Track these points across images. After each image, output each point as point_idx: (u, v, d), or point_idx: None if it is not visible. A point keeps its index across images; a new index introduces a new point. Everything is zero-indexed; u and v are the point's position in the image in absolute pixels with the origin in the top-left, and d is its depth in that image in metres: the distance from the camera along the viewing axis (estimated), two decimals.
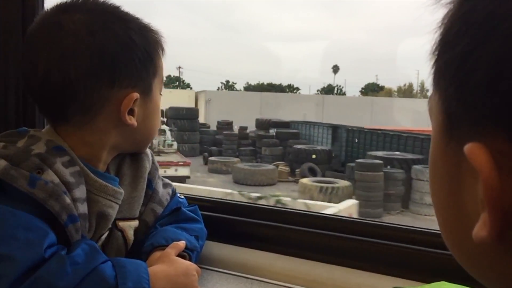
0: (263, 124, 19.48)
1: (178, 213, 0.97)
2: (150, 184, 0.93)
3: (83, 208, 0.77)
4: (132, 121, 0.82)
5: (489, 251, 0.32)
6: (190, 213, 0.99)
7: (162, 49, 0.88)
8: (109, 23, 0.80)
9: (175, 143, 16.14)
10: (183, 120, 18.96)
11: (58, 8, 0.81)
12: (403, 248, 0.91)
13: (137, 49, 0.81)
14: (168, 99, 23.86)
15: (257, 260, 1.00)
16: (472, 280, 0.38)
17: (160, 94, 0.90)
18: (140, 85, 0.82)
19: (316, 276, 0.94)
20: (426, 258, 0.88)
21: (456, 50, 0.32)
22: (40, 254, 0.68)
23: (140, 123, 0.84)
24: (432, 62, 0.36)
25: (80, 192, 0.77)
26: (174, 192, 1.00)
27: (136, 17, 0.85)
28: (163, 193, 0.96)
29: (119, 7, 0.83)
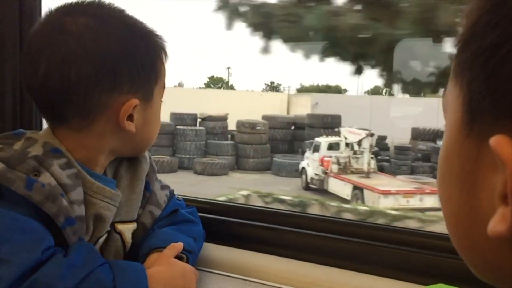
0: (425, 134, 16.21)
1: (176, 215, 0.96)
2: (148, 186, 0.93)
3: (80, 210, 0.77)
4: (131, 127, 0.82)
5: (502, 247, 0.32)
6: (188, 215, 0.98)
7: (165, 55, 0.87)
8: (113, 28, 0.79)
9: (373, 160, 12.55)
10: (328, 129, 15.55)
11: (62, 10, 0.81)
12: (402, 250, 0.91)
13: (139, 55, 0.81)
14: (260, 104, 21.09)
15: (255, 262, 0.99)
16: (471, 282, 0.38)
17: (161, 100, 0.89)
18: (140, 91, 0.82)
19: (314, 278, 0.94)
20: (425, 260, 0.88)
21: (486, 41, 0.31)
22: (37, 256, 0.68)
23: (139, 129, 0.84)
24: (456, 53, 0.35)
25: (77, 194, 0.77)
26: (172, 194, 1.00)
27: (140, 21, 0.84)
28: (161, 195, 0.96)
29: (123, 11, 0.83)
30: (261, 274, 0.97)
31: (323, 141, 13.58)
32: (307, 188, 13.07)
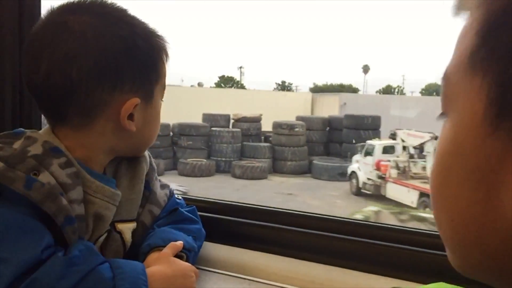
0: None
1: (176, 214, 0.96)
2: (148, 185, 0.93)
3: (79, 209, 0.77)
4: (131, 126, 0.82)
5: None
6: (187, 213, 0.98)
7: (166, 55, 0.87)
8: (115, 27, 0.79)
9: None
10: (367, 130, 15.03)
11: (65, 8, 0.81)
12: (401, 249, 0.91)
13: (141, 54, 0.81)
14: (282, 104, 20.39)
15: (254, 261, 0.99)
16: (470, 281, 0.37)
17: (162, 100, 0.89)
18: (141, 91, 0.82)
19: (314, 277, 0.94)
20: (424, 259, 0.88)
21: None
22: (37, 255, 0.68)
23: (139, 128, 0.84)
24: (475, 42, 0.33)
25: (77, 193, 0.77)
26: (171, 193, 1.00)
27: (142, 21, 0.84)
28: (161, 194, 0.96)
29: (126, 10, 0.83)
30: (261, 273, 0.97)
31: (378, 144, 12.73)
32: (358, 193, 12.31)
